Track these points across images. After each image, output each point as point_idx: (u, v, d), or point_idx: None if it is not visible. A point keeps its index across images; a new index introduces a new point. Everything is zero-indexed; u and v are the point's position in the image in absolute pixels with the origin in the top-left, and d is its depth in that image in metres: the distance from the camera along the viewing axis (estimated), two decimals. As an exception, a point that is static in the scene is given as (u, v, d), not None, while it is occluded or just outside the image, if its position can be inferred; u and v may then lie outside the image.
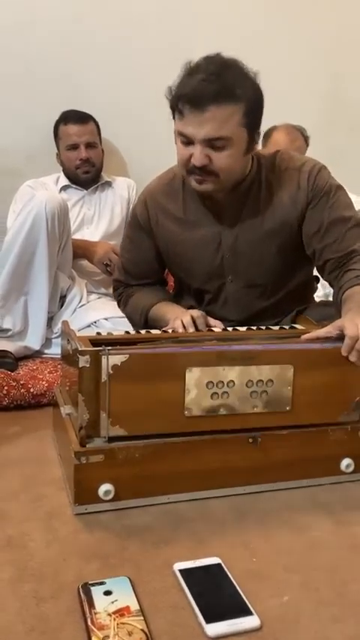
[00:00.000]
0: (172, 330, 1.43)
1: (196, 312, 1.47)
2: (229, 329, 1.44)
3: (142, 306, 1.63)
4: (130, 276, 1.72)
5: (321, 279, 1.62)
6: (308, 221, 1.50)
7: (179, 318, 1.45)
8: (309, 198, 1.49)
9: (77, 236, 2.31)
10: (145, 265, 1.69)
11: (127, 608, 0.85)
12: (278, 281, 1.60)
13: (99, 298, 2.23)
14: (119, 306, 1.79)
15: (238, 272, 1.58)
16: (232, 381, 1.16)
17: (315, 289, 1.78)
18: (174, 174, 1.59)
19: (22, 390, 1.64)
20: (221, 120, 1.33)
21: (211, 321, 1.48)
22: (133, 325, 1.70)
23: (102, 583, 0.90)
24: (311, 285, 1.75)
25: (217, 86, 1.31)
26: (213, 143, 1.36)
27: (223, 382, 1.16)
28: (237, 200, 1.51)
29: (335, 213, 1.49)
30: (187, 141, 1.38)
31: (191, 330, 1.42)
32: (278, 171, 1.51)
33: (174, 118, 1.40)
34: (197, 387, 1.14)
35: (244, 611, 0.85)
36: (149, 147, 2.52)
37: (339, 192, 1.51)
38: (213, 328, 1.45)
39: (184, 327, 1.42)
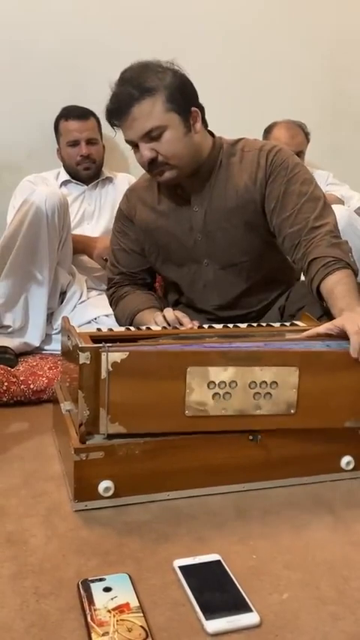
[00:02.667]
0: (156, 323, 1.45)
1: (179, 313, 1.48)
2: (230, 325, 1.44)
3: (129, 311, 1.67)
4: (121, 267, 1.76)
5: None
6: (268, 197, 1.56)
7: (161, 314, 1.47)
8: (267, 173, 1.55)
9: (78, 232, 2.31)
10: (134, 254, 1.74)
11: (127, 604, 0.85)
12: (254, 260, 1.64)
13: (99, 295, 2.23)
14: (110, 305, 1.82)
15: (212, 254, 1.64)
16: (235, 381, 1.14)
17: (295, 271, 1.78)
18: None
19: (22, 387, 1.64)
20: (145, 114, 1.46)
21: (184, 320, 1.46)
22: (119, 325, 1.73)
23: (102, 579, 0.90)
24: (287, 265, 1.75)
25: (129, 88, 1.46)
26: (150, 136, 1.48)
27: (225, 382, 1.14)
28: (201, 183, 1.60)
29: (292, 186, 1.53)
30: (134, 145, 1.52)
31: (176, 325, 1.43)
32: (240, 154, 1.60)
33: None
34: (198, 386, 1.13)
35: (244, 608, 0.85)
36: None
37: (298, 168, 1.55)
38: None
39: (166, 322, 1.44)
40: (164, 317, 1.46)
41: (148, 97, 1.45)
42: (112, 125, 1.53)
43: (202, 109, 1.55)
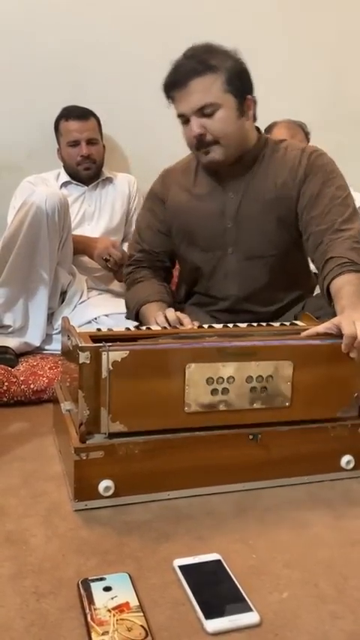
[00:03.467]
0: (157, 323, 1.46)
1: (181, 313, 1.48)
2: (230, 325, 1.44)
3: (138, 299, 1.68)
4: (144, 244, 1.78)
5: None
6: (303, 194, 1.58)
7: (162, 314, 1.47)
8: (306, 172, 1.58)
9: (78, 232, 2.30)
10: (159, 234, 1.76)
11: (127, 604, 0.85)
12: (280, 256, 1.66)
13: (100, 294, 2.23)
14: (124, 283, 1.84)
15: (239, 243, 1.65)
16: (232, 376, 1.16)
17: (313, 279, 1.79)
18: (193, 156, 1.69)
19: (23, 387, 1.64)
20: (204, 88, 1.49)
21: (185, 321, 1.45)
22: (127, 309, 1.76)
23: (102, 579, 0.90)
24: (308, 271, 1.79)
25: (193, 62, 1.49)
26: (203, 111, 1.50)
27: (223, 378, 1.16)
28: (241, 172, 1.62)
29: (327, 189, 1.56)
30: (185, 119, 1.53)
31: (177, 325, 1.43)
32: (284, 152, 1.63)
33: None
34: (197, 383, 1.14)
35: (244, 607, 0.85)
36: (151, 143, 2.52)
37: (335, 174, 1.59)
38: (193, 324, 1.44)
39: (167, 322, 1.44)
40: (165, 317, 1.46)
41: (210, 73, 1.48)
42: (168, 97, 1.54)
43: (255, 101, 1.58)
